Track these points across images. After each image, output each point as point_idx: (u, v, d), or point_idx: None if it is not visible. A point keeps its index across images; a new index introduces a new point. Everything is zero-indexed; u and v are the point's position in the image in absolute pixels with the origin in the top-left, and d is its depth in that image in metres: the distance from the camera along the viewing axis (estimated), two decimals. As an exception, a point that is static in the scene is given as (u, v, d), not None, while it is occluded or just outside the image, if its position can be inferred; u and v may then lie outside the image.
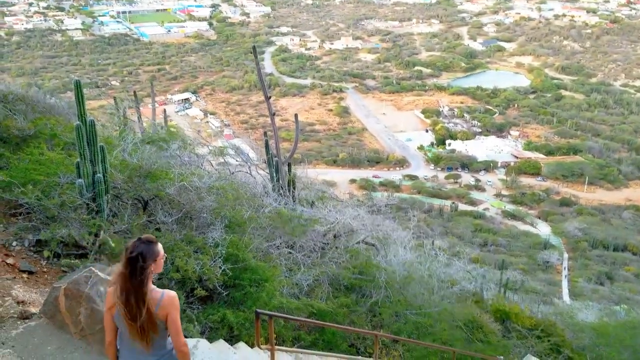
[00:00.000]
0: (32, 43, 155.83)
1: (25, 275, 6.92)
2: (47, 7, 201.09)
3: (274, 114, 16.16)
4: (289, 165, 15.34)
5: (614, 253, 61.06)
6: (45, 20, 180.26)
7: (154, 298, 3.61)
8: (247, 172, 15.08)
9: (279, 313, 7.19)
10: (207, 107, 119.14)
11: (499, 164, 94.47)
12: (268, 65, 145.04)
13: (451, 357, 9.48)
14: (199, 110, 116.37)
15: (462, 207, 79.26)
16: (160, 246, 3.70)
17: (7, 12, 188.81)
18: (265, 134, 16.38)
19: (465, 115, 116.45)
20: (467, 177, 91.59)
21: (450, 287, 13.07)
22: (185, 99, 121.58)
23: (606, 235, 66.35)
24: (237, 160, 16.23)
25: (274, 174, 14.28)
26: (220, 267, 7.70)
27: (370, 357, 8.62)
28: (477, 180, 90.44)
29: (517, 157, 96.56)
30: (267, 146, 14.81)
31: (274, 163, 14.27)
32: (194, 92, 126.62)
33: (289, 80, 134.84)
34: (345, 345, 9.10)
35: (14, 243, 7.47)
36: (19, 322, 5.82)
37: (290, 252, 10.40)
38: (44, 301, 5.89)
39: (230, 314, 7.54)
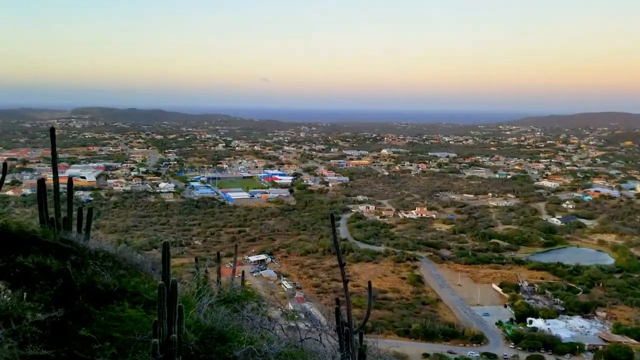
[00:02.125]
0: (127, 203, 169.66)
1: None
2: (146, 172, 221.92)
3: (347, 281, 16.19)
4: (360, 334, 14.92)
5: None
6: (143, 184, 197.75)
7: None
8: (316, 339, 14.75)
9: None
10: (281, 269, 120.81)
11: (586, 347, 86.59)
12: (343, 231, 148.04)
13: None
14: (273, 271, 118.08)
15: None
16: None
17: (110, 175, 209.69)
18: (337, 300, 16.27)
19: (546, 291, 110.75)
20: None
21: None
22: (261, 260, 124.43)
23: None
24: (307, 325, 16.01)
25: (344, 343, 13.89)
26: None
27: None
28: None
29: (605, 341, 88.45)
30: (337, 313, 14.62)
31: (344, 331, 13.96)
32: (270, 254, 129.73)
33: (362, 246, 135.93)
34: None
35: (84, 399, 7.52)
36: None
37: None
38: None
39: None
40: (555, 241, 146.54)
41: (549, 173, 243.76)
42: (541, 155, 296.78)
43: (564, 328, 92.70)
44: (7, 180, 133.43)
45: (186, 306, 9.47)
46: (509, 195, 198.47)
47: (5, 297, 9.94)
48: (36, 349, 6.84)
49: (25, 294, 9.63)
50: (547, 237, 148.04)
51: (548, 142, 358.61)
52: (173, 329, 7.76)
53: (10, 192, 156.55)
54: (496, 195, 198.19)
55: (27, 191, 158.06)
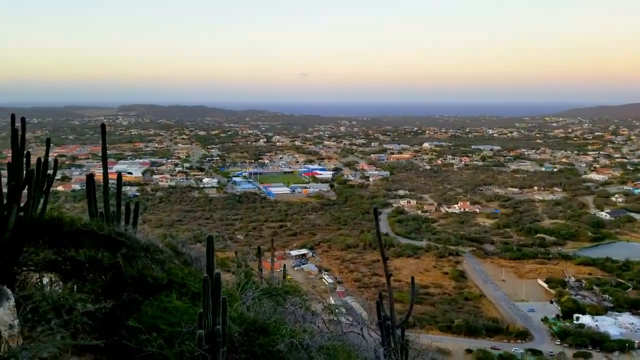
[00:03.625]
0: (172, 198, 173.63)
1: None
2: (190, 167, 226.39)
3: (390, 275, 16.11)
4: (402, 329, 14.84)
5: None
6: (187, 179, 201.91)
7: None
8: (358, 333, 14.74)
9: None
10: (322, 264, 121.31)
11: (636, 344, 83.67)
12: (384, 226, 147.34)
13: None
14: (314, 266, 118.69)
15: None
16: None
17: (156, 171, 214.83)
18: (380, 294, 16.21)
19: (594, 287, 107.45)
20: (598, 357, 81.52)
21: None
22: (302, 255, 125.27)
23: None
24: (348, 320, 16.02)
25: (386, 338, 13.84)
26: None
27: None
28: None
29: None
30: (379, 307, 14.58)
31: (386, 326, 13.90)
32: (311, 249, 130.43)
33: (404, 241, 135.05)
34: None
35: (132, 389, 7.75)
36: None
37: None
38: None
39: None
40: (603, 236, 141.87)
41: (597, 166, 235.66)
42: (589, 147, 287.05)
43: (613, 325, 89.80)
44: (58, 176, 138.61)
45: (230, 299, 9.62)
46: (555, 188, 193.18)
47: (56, 288, 10.32)
48: (87, 339, 7.08)
49: (75, 285, 9.98)
50: (595, 231, 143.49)
51: (596, 133, 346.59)
52: (218, 321, 7.90)
53: (60, 188, 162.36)
54: (542, 188, 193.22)
55: (77, 187, 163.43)
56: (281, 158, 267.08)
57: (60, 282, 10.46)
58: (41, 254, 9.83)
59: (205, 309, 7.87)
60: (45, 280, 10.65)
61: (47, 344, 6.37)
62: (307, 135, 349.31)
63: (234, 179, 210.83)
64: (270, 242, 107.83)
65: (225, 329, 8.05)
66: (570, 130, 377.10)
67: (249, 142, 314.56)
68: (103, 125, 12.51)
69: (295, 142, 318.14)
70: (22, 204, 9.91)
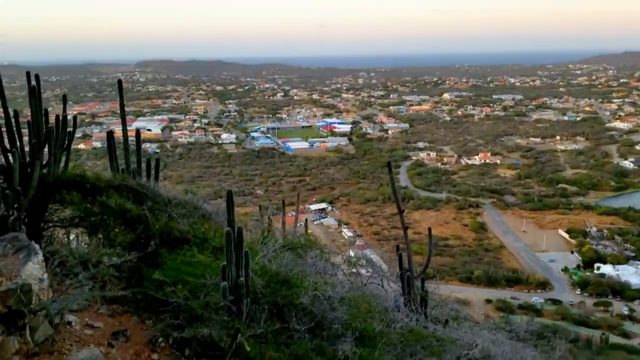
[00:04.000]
0: (192, 154, 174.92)
1: (166, 372, 7.29)
2: (208, 123, 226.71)
3: (407, 228, 16.15)
4: (422, 280, 14.98)
5: None
6: (205, 135, 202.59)
7: None
8: (378, 284, 14.92)
9: None
10: (342, 217, 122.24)
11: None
12: (403, 179, 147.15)
13: None
14: (334, 220, 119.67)
15: (614, 339, 69.99)
16: None
17: (174, 128, 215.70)
18: (397, 247, 16.31)
19: (616, 237, 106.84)
20: (619, 306, 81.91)
21: None
22: (321, 209, 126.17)
23: None
24: (368, 272, 16.19)
25: (406, 288, 13.99)
26: (348, 383, 7.53)
27: None
28: (632, 310, 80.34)
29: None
30: (400, 258, 14.70)
31: (406, 277, 14.04)
32: (331, 203, 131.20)
33: (423, 194, 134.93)
34: None
35: (160, 339, 7.99)
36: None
37: (421, 374, 9.85)
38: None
39: None
40: (626, 185, 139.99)
41: (622, 114, 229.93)
42: (613, 95, 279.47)
43: (634, 274, 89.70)
44: (78, 134, 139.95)
45: (252, 252, 9.74)
46: (578, 138, 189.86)
47: (82, 244, 10.55)
48: (114, 291, 7.27)
49: (102, 240, 10.19)
50: (618, 181, 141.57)
51: (621, 80, 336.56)
52: (240, 273, 8.03)
53: (81, 146, 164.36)
54: (565, 138, 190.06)
55: (98, 144, 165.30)
56: (299, 112, 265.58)
57: (86, 237, 10.68)
58: (65, 211, 10.01)
59: (228, 262, 7.99)
60: (72, 236, 10.89)
61: (76, 296, 6.55)
62: (325, 89, 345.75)
63: (252, 134, 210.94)
64: (290, 197, 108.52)
65: (248, 281, 8.19)
66: (594, 77, 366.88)
67: (266, 97, 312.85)
68: (120, 82, 12.48)
69: (313, 95, 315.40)
70: (44, 162, 10.03)
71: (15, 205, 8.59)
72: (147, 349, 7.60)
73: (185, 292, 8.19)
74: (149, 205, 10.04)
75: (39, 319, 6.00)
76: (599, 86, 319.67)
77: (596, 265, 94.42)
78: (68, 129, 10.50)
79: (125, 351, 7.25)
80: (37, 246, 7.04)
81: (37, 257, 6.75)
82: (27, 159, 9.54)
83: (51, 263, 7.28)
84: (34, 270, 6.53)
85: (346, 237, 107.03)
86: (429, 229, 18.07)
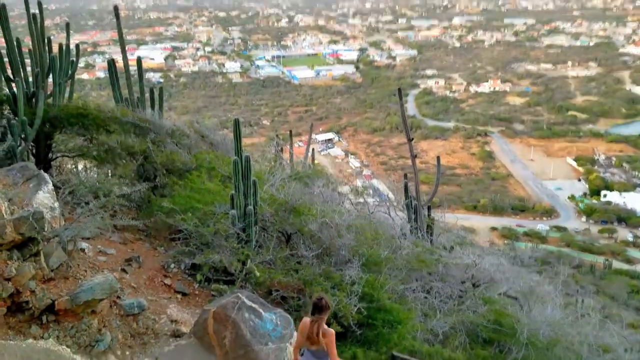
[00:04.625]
0: (196, 84, 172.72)
1: (179, 296, 7.54)
2: (212, 52, 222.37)
3: (415, 157, 16.13)
4: (428, 208, 15.12)
5: None
6: (209, 64, 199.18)
7: (323, 332, 5.43)
8: (385, 213, 15.10)
9: (414, 358, 7.03)
10: (349, 148, 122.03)
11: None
12: (411, 108, 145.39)
13: None
14: (341, 150, 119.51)
15: (617, 264, 71.38)
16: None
17: (177, 56, 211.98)
18: (405, 176, 16.35)
19: (624, 165, 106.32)
20: (624, 233, 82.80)
21: (602, 354, 11.70)
22: (328, 139, 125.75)
23: None
24: (375, 200, 16.34)
25: (412, 216, 14.15)
26: (355, 305, 7.75)
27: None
28: (636, 236, 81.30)
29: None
30: (406, 188, 14.77)
31: (413, 205, 14.16)
32: (337, 133, 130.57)
33: (431, 123, 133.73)
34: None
35: (172, 265, 8.20)
36: (171, 340, 6.32)
37: (426, 297, 10.15)
38: (194, 322, 6.35)
39: (360, 353, 7.51)
40: (638, 112, 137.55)
41: (637, 38, 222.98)
42: (629, 18, 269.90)
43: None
44: (81, 64, 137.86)
45: (260, 182, 9.80)
46: (590, 63, 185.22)
47: (92, 174, 10.63)
48: (125, 219, 7.39)
49: (110, 170, 10.25)
50: (629, 107, 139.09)
51: (637, 3, 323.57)
52: (249, 202, 8.11)
53: (85, 76, 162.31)
54: (577, 64, 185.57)
55: (101, 74, 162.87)
56: (304, 39, 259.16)
57: (95, 169, 10.75)
58: (72, 142, 10.02)
59: (236, 190, 8.05)
60: (80, 166, 10.96)
61: (87, 224, 6.66)
62: (331, 14, 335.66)
63: (257, 62, 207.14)
64: (296, 127, 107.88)
65: (256, 209, 8.28)
66: (609, 0, 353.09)
67: (270, 23, 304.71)
68: (116, 7, 12.11)
69: (319, 21, 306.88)
70: (49, 92, 9.92)
71: (22, 136, 8.60)
72: (160, 274, 7.82)
73: (195, 220, 8.32)
74: (151, 138, 10.01)
75: (52, 245, 6.13)
76: (614, 9, 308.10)
77: (603, 192, 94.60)
78: (71, 59, 10.33)
79: (138, 276, 7.46)
80: (46, 175, 7.09)
81: (48, 186, 6.82)
82: (32, 88, 9.44)
83: (62, 192, 7.35)
84: (44, 198, 6.61)
85: (353, 167, 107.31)
86: (438, 158, 18.08)
